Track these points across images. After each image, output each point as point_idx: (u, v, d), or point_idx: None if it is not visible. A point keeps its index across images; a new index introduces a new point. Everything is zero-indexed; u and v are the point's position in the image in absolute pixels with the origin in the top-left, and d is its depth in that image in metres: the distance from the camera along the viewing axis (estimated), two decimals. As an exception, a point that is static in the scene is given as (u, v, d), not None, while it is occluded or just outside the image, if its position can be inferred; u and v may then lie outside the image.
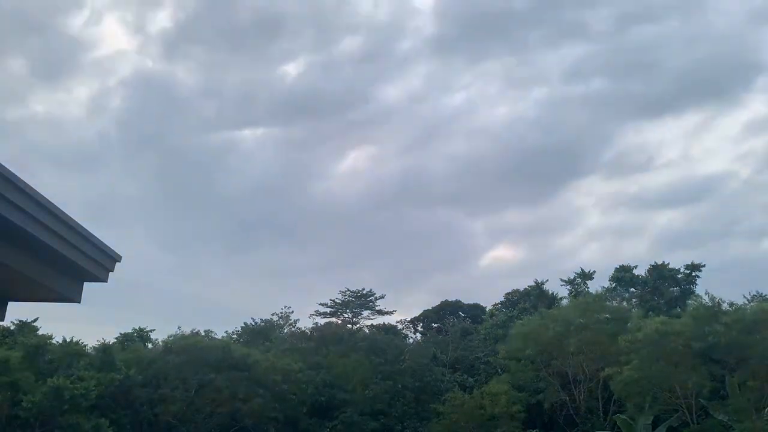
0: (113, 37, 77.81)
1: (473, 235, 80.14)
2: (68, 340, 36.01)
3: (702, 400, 29.74)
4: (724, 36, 74.69)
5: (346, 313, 52.65)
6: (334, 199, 77.46)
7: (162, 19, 76.76)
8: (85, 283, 5.10)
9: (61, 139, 70.51)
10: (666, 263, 44.18)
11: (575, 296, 43.59)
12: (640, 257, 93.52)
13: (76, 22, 74.73)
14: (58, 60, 72.91)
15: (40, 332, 37.48)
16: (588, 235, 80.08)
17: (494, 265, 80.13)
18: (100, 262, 4.89)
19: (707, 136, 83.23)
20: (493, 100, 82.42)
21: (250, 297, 70.27)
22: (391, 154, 79.86)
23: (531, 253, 76.65)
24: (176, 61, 76.04)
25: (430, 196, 78.01)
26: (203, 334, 42.80)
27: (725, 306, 32.07)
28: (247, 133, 77.99)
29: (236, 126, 79.03)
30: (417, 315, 56.78)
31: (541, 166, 77.45)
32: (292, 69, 77.42)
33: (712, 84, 74.06)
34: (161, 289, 64.76)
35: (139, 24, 75.35)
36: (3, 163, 3.65)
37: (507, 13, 71.91)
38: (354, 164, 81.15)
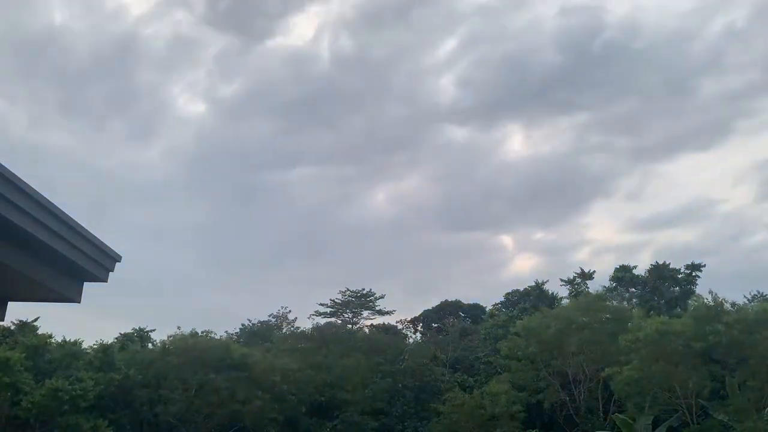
0: (190, 102, 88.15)
1: (499, 249, 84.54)
2: (67, 340, 36.04)
3: (702, 400, 29.74)
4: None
5: (346, 313, 52.63)
6: (364, 223, 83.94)
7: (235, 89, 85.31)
8: (85, 283, 5.09)
9: (137, 179, 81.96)
10: (666, 263, 44.20)
11: (575, 296, 43.60)
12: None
13: (172, 90, 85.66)
14: (149, 123, 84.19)
15: (39, 332, 37.47)
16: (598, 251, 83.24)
17: (516, 275, 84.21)
18: (100, 262, 4.87)
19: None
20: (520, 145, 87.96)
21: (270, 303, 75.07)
22: (425, 183, 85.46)
23: (548, 265, 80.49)
24: (243, 125, 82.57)
25: (459, 220, 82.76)
26: (202, 334, 42.76)
27: (727, 306, 32.02)
28: (299, 171, 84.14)
29: (290, 166, 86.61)
30: (417, 315, 56.79)
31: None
32: (348, 126, 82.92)
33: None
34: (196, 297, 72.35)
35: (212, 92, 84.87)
36: (3, 163, 3.64)
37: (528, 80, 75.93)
38: (390, 194, 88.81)
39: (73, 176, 76.50)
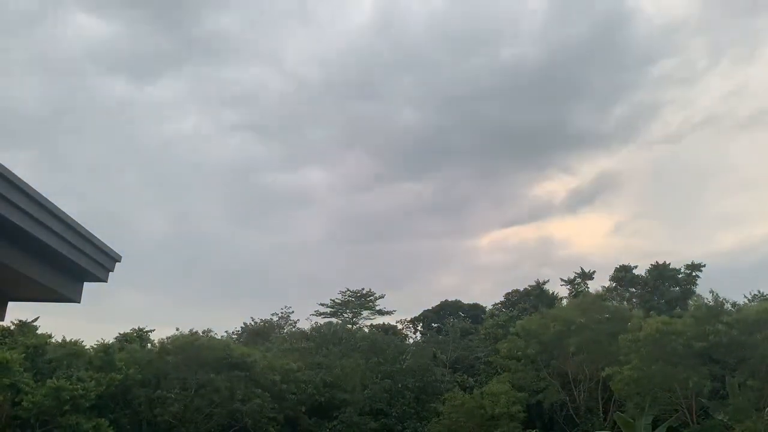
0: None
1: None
2: (68, 339, 36.03)
3: (702, 400, 29.73)
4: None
5: (346, 313, 52.65)
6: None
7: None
8: (85, 283, 5.09)
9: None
10: (666, 263, 44.21)
11: (575, 296, 43.62)
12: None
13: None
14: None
15: (39, 332, 37.44)
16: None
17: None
18: (100, 262, 4.88)
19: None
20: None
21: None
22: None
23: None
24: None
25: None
26: (202, 333, 42.74)
27: (728, 306, 32.00)
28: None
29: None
30: (417, 315, 56.82)
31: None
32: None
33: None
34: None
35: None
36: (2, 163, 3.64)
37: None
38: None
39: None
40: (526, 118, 79.78)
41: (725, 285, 65.96)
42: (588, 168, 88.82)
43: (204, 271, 78.41)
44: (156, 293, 74.45)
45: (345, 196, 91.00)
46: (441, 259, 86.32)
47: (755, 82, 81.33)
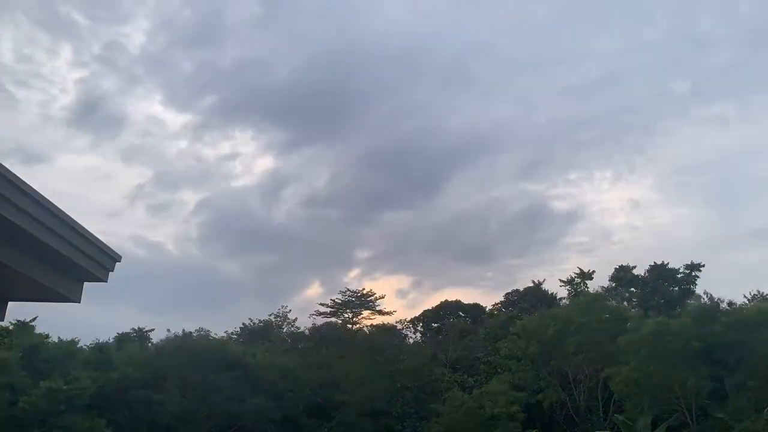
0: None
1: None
2: (64, 339, 36.05)
3: (702, 401, 29.73)
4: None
5: (346, 313, 52.62)
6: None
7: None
8: (85, 283, 5.07)
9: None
10: (666, 263, 44.20)
11: (575, 296, 43.60)
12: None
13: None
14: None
15: (36, 332, 37.42)
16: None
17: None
18: (100, 262, 4.85)
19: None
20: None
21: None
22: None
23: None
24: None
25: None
26: (203, 333, 42.75)
27: (724, 306, 32.06)
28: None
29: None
30: (417, 315, 56.76)
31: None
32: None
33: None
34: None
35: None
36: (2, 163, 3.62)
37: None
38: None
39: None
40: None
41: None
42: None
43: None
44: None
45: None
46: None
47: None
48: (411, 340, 51.60)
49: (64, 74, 77.55)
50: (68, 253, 4.40)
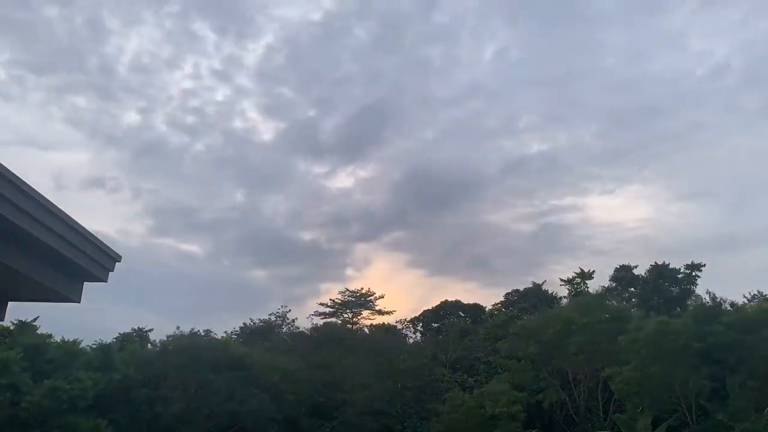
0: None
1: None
2: (66, 339, 36.01)
3: (702, 400, 29.72)
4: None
5: (345, 313, 52.64)
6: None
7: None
8: (85, 283, 5.08)
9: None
10: (666, 263, 44.19)
11: (575, 296, 43.60)
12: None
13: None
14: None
15: (39, 332, 37.43)
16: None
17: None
18: (100, 262, 4.87)
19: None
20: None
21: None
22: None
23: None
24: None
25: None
26: (202, 333, 42.77)
27: (726, 306, 32.05)
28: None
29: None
30: (417, 315, 56.76)
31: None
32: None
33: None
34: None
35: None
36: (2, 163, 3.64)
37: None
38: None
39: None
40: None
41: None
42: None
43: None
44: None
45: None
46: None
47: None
48: (411, 340, 51.62)
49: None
50: (68, 253, 4.42)
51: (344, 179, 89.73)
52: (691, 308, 34.80)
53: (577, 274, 46.52)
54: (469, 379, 40.17)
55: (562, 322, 34.28)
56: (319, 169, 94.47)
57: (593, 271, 46.54)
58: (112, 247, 4.96)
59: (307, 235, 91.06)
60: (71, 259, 4.49)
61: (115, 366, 34.35)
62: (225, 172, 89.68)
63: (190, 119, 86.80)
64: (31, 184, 3.86)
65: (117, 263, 5.11)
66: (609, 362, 31.34)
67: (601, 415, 33.66)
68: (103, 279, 5.04)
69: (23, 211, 3.84)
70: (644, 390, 29.60)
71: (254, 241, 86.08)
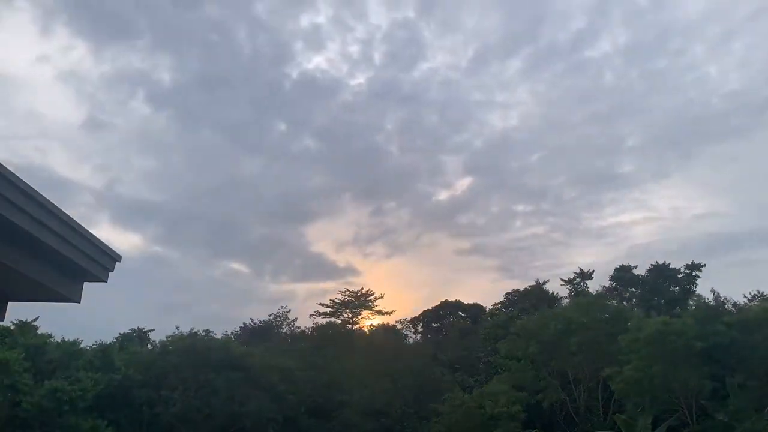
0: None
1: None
2: (66, 339, 36.02)
3: (702, 401, 29.70)
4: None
5: (345, 313, 52.65)
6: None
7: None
8: (85, 283, 5.08)
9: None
10: (666, 263, 44.19)
11: (575, 296, 43.60)
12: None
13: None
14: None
15: (39, 332, 37.41)
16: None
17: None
18: (100, 262, 4.86)
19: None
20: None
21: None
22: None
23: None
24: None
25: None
26: (202, 334, 42.72)
27: (729, 306, 32.01)
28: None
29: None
30: (417, 315, 56.78)
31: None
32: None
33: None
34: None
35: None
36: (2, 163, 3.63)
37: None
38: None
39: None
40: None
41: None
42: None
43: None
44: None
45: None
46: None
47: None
48: (411, 340, 51.64)
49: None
50: (68, 253, 4.41)
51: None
52: (694, 308, 34.77)
53: (577, 273, 46.63)
54: (469, 379, 40.16)
55: (562, 322, 34.27)
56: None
57: (593, 271, 46.70)
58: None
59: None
60: (71, 259, 4.48)
61: (115, 366, 34.35)
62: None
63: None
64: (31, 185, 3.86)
65: (117, 263, 5.11)
66: (609, 362, 31.31)
67: (601, 415, 33.64)
68: (103, 279, 5.04)
69: (23, 211, 3.83)
70: (645, 390, 29.56)
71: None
